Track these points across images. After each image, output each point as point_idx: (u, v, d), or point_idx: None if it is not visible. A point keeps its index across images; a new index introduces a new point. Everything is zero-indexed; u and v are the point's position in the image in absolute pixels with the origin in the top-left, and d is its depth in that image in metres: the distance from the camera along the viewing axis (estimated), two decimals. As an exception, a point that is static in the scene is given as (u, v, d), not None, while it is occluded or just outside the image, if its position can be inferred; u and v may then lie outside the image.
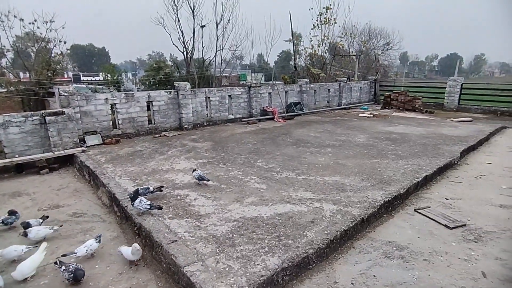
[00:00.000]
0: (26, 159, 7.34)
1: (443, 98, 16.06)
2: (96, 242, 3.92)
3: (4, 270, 3.72)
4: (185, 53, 22.40)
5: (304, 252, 3.39)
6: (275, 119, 12.61)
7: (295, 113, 13.71)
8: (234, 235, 3.76)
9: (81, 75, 47.27)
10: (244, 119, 12.35)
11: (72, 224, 4.89)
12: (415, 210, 4.88)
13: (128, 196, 4.49)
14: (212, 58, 22.84)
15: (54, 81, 21.50)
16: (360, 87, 18.61)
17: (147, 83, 29.84)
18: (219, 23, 21.03)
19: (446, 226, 4.34)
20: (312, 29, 22.93)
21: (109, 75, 38.18)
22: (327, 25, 22.37)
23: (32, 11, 23.48)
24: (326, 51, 24.93)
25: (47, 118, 7.52)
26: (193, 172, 5.63)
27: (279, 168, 6.39)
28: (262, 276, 2.98)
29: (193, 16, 20.60)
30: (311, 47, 23.87)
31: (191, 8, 20.41)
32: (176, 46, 21.97)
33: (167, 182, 5.74)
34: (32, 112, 7.70)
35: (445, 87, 16.04)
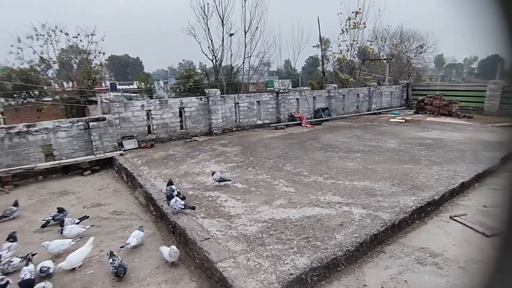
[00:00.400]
0: (71, 161, 7.99)
1: (483, 102, 15.16)
2: (141, 231, 4.34)
3: (55, 260, 4.10)
4: (214, 60, 23.11)
5: (333, 254, 3.43)
6: (302, 125, 12.63)
7: (323, 119, 13.63)
8: (264, 235, 3.88)
9: (117, 84, 50.05)
10: (272, 125, 12.49)
11: (113, 221, 5.27)
12: (450, 217, 4.71)
13: (164, 195, 4.79)
14: (240, 65, 23.36)
15: (93, 90, 23.14)
16: (391, 91, 18.10)
17: (178, 90, 31.09)
18: (247, 31, 21.53)
19: (483, 234, 4.15)
20: (340, 34, 22.72)
21: (142, 84, 40.27)
22: (356, 29, 22.09)
23: (76, 25, 25.47)
24: (355, 55, 24.57)
25: (91, 123, 8.16)
26: (212, 175, 5.80)
27: (307, 172, 6.44)
28: (291, 274, 3.07)
29: (222, 25, 21.27)
30: (339, 52, 23.65)
31: (220, 17, 21.10)
32: (206, 55, 22.74)
33: (198, 184, 6.01)
34: (78, 118, 8.40)
35: (485, 91, 15.16)
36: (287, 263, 3.25)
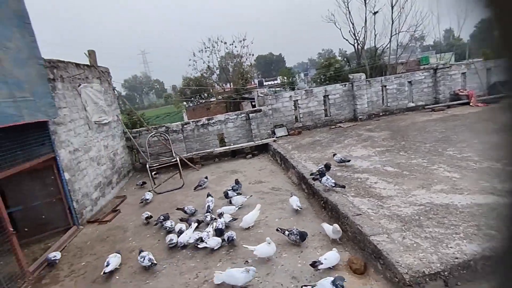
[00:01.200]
0: (237, 146, 9.79)
1: None
2: (295, 196, 5.24)
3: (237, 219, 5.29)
4: (355, 44, 22.12)
5: (516, 246, 2.92)
6: (471, 104, 10.46)
7: (505, 95, 10.78)
8: (421, 218, 3.70)
9: (263, 81, 55.47)
10: (428, 106, 10.98)
11: (272, 195, 6.22)
12: None
13: (317, 171, 5.28)
14: (386, 45, 21.37)
15: (245, 88, 26.82)
16: None
17: (318, 80, 31.58)
18: (395, 4, 19.38)
19: None
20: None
21: (285, 78, 43.16)
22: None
23: (232, 34, 30.06)
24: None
25: (250, 115, 9.71)
26: (334, 156, 6.35)
27: (478, 158, 5.46)
28: (457, 258, 2.86)
29: (365, 4, 19.99)
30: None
31: (363, -4, 19.89)
32: (347, 40, 22.06)
33: (346, 167, 6.19)
34: (241, 111, 10.16)
35: None
36: (451, 247, 3.04)
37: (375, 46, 22.13)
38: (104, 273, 4.07)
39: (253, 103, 20.57)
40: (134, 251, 4.75)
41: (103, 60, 9.01)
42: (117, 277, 4.20)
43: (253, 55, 28.04)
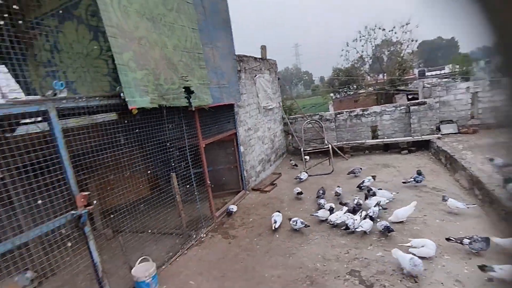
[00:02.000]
0: (392, 140, 9.22)
1: None
2: (452, 199, 4.76)
3: (386, 211, 5.20)
4: None
5: None
6: None
7: None
8: None
9: (425, 71, 47.79)
10: None
11: (433, 196, 5.66)
12: None
13: (502, 177, 4.46)
14: None
15: (402, 79, 24.03)
16: None
17: (508, 69, 24.47)
18: None
19: None
20: None
21: (457, 67, 35.63)
22: None
23: (393, 19, 27.35)
24: None
25: (411, 107, 8.88)
26: (491, 161, 5.59)
27: None
28: None
29: None
30: None
31: None
32: None
33: (547, 177, 4.86)
34: (400, 103, 9.44)
35: None
36: None
37: None
38: (274, 228, 5.00)
39: (409, 97, 18.37)
40: (290, 218, 5.50)
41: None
42: (277, 236, 5.03)
43: (416, 41, 24.70)
